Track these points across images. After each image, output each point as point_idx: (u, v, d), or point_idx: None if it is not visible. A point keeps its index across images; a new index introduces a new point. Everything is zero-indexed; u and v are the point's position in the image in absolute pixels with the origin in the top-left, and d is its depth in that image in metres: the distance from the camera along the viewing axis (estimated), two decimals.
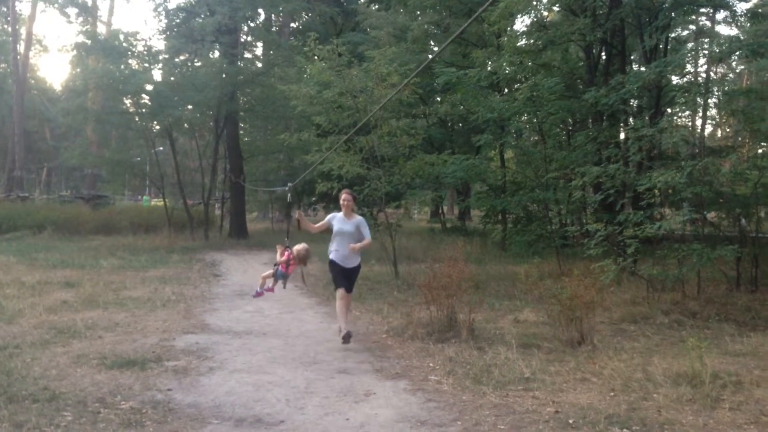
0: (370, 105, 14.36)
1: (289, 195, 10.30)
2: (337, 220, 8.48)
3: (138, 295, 11.72)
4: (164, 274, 14.74)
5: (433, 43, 26.47)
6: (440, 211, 31.03)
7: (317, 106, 16.01)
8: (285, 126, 25.84)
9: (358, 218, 8.50)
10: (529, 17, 19.09)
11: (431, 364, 7.35)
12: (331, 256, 8.47)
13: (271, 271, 8.85)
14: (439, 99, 25.27)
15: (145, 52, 24.67)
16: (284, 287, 8.83)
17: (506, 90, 20.58)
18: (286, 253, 8.57)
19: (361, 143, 14.90)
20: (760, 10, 21.43)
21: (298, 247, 8.59)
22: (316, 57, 16.34)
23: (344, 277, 8.42)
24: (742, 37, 19.14)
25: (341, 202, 8.53)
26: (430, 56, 25.22)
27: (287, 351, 8.02)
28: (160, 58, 25.81)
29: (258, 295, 9.26)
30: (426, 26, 24.16)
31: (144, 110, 25.32)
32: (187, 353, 7.70)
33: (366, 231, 8.43)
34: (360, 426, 5.37)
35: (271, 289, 9.07)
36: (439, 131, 25.79)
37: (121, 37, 24.49)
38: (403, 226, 19.58)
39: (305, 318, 10.43)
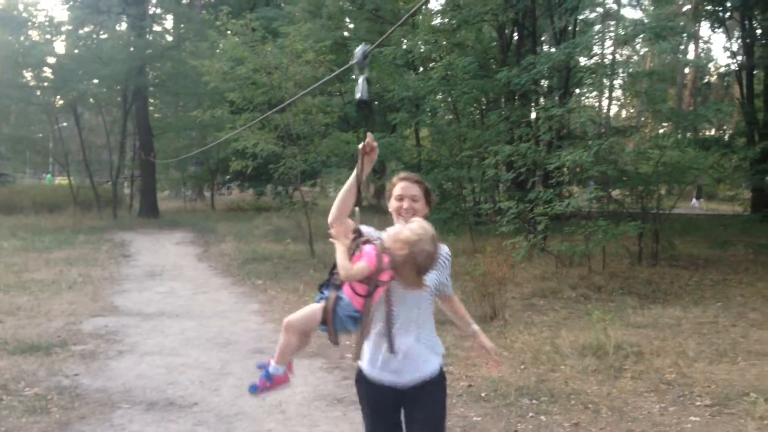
0: (285, 82, 14.16)
1: (362, 79, 3.14)
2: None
3: (41, 278, 11.23)
4: (70, 255, 14.16)
5: (348, 20, 26.26)
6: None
7: (231, 82, 15.66)
8: (197, 102, 25.18)
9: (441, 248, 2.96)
10: None
11: (348, 342, 7.35)
12: (361, 362, 3.12)
13: (311, 310, 2.83)
14: (354, 77, 25.20)
15: (46, 23, 23.46)
16: (357, 359, 3.01)
17: (421, 68, 20.67)
18: (369, 249, 2.78)
19: (276, 121, 14.69)
20: None
21: (413, 235, 2.75)
22: (229, 32, 15.95)
23: (391, 424, 3.14)
24: (645, 21, 19.88)
25: (395, 207, 3.17)
26: (346, 33, 25.05)
27: (201, 332, 7.88)
28: (63, 29, 24.61)
29: (264, 386, 2.95)
30: (341, 2, 23.92)
31: (46, 84, 24.17)
32: (95, 337, 7.45)
33: (450, 280, 3.33)
34: (276, 405, 5.35)
35: (286, 379, 2.98)
36: (355, 109, 25.71)
37: (21, 6, 23.23)
38: (320, 204, 19.49)
39: (220, 298, 10.25)
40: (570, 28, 16.45)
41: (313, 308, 2.81)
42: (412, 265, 2.73)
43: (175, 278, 12.09)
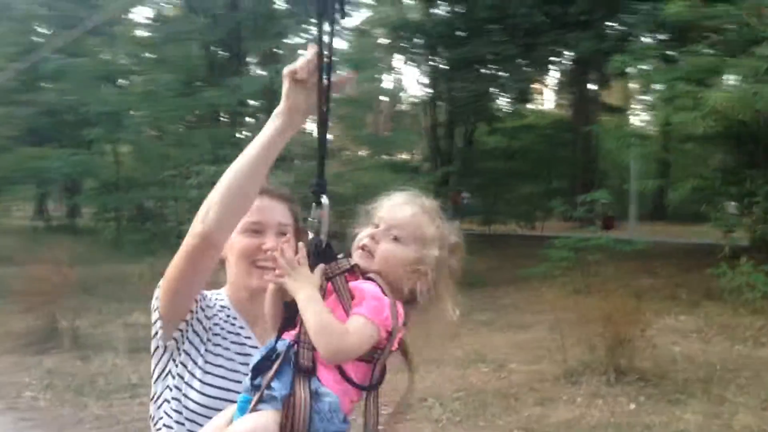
0: None
1: None
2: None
3: None
4: None
5: (38, 24, 24.14)
6: (44, 208, 28.57)
7: None
8: None
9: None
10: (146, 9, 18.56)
11: (27, 379, 6.72)
12: None
13: None
14: (46, 86, 23.16)
15: None
16: None
17: (122, 81, 19.68)
18: (370, 290, 1.34)
19: None
20: (365, 28, 24.12)
21: (436, 230, 1.40)
22: None
23: None
24: (348, 51, 21.19)
25: (244, 248, 1.70)
26: (34, 38, 23.04)
27: None
28: None
29: None
30: (32, 5, 21.90)
31: None
32: None
33: None
34: None
35: None
36: (47, 121, 23.60)
37: None
38: (2, 223, 17.50)
39: None
40: (278, 51, 16.88)
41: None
42: (448, 297, 1.39)
43: None
